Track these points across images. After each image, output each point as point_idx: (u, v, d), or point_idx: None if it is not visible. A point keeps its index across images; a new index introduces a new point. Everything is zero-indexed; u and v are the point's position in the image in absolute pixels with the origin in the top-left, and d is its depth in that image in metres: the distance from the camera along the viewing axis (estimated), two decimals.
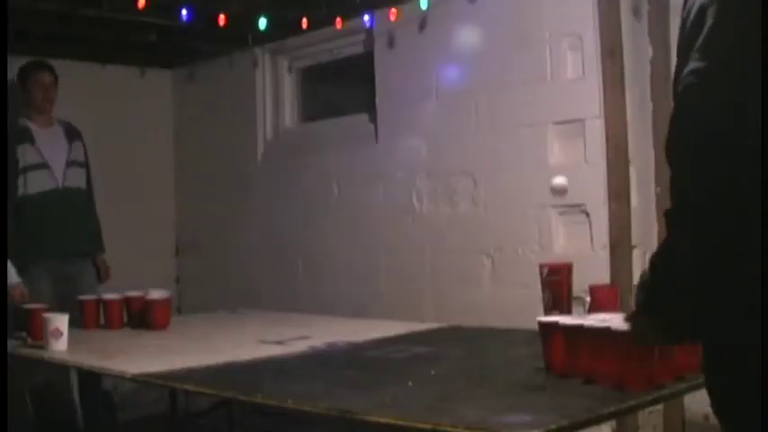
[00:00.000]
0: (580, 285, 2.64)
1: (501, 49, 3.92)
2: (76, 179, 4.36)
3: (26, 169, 4.19)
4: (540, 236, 3.77)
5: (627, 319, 1.67)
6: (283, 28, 4.63)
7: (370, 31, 4.54)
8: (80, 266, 4.34)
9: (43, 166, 4.23)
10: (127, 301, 3.37)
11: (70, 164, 4.33)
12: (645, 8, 3.65)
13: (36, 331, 2.88)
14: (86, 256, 4.39)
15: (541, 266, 2.64)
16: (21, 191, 4.17)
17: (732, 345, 1.35)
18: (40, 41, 4.63)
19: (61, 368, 3.32)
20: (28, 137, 4.23)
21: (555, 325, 1.96)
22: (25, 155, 4.20)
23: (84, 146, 4.43)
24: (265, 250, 5.05)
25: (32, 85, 4.25)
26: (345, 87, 5.17)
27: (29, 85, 4.27)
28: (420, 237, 4.26)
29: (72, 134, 4.40)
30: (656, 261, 1.44)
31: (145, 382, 2.44)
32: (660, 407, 3.38)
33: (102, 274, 4.40)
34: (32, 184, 4.19)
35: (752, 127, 1.27)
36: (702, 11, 1.34)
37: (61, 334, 2.74)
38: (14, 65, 4.22)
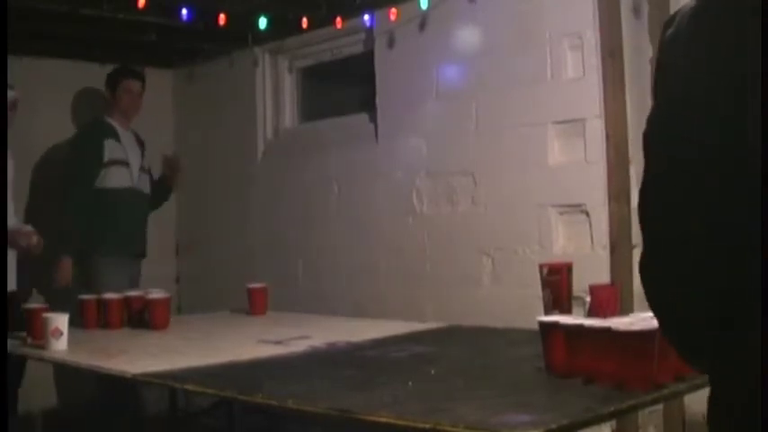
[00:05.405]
0: (580, 285, 2.64)
1: (501, 49, 3.92)
2: (144, 184, 4.54)
3: (110, 163, 4.33)
4: (540, 236, 3.77)
5: None
6: (283, 28, 4.63)
7: (370, 31, 4.54)
8: (138, 269, 4.49)
9: (125, 163, 4.39)
10: (127, 301, 3.37)
11: (142, 168, 4.51)
12: (645, 8, 3.65)
13: (36, 331, 2.88)
14: (140, 258, 4.54)
15: (541, 266, 2.65)
16: (99, 183, 4.29)
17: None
18: (41, 41, 4.63)
19: None
20: (114, 133, 4.38)
21: (555, 325, 1.96)
22: (111, 149, 4.34)
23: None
24: (265, 250, 5.05)
25: (122, 92, 4.43)
26: (345, 87, 5.17)
27: (118, 91, 4.44)
28: (420, 236, 4.26)
29: (141, 142, 4.58)
30: None
31: (145, 382, 2.44)
32: (660, 407, 3.38)
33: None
34: (112, 179, 4.34)
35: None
36: None
37: (61, 334, 2.74)
38: (15, 65, 4.21)
